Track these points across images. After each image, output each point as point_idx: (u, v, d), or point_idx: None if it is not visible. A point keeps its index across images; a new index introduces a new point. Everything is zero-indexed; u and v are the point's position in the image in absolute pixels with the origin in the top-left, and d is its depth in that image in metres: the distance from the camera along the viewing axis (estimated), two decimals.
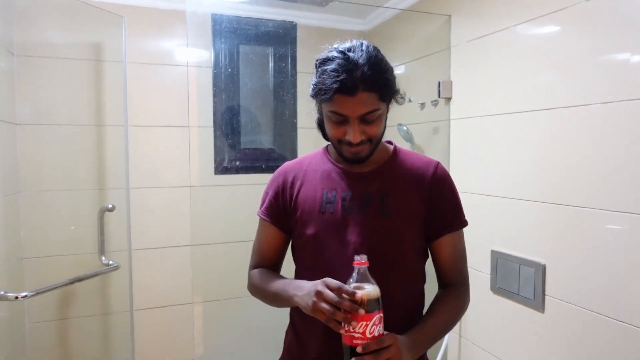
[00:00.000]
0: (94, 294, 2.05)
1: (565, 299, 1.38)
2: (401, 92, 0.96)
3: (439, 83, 1.87)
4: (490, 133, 1.68)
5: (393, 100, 0.96)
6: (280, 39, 2.31)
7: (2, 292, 1.43)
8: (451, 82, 1.87)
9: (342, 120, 0.91)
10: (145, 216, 2.10)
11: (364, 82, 0.86)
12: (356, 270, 0.82)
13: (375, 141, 0.95)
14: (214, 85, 2.18)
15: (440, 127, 1.94)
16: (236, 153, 2.25)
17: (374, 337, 0.80)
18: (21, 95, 1.81)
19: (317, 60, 0.94)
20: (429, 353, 1.07)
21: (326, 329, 0.90)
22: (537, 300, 1.46)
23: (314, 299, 0.83)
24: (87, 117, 1.98)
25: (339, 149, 0.97)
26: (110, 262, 1.81)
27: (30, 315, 1.90)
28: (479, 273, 1.73)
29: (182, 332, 2.21)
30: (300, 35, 2.33)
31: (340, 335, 0.82)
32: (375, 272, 0.83)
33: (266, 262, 1.09)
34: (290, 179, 1.05)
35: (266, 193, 1.09)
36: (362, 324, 0.79)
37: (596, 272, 1.29)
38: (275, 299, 0.99)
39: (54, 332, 1.99)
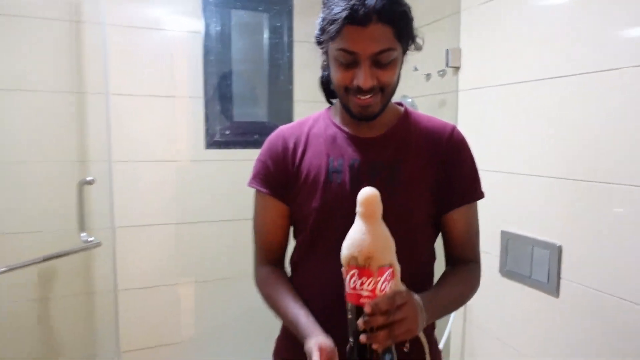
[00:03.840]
0: (76, 272, 1.95)
1: (583, 282, 1.28)
2: (420, 35, 0.83)
3: (447, 51, 1.73)
4: (502, 104, 1.55)
5: (410, 46, 0.82)
6: (275, 4, 2.15)
7: None
8: (460, 50, 1.73)
9: (351, 62, 0.78)
10: (130, 192, 1.97)
11: (379, 12, 0.73)
12: None
13: (387, 92, 0.82)
14: (205, 52, 2.03)
15: (447, 99, 1.81)
16: (229, 126, 2.11)
17: (385, 294, 0.68)
18: None
19: None
20: None
21: (327, 303, 0.83)
22: (551, 284, 1.35)
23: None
24: (65, 83, 1.84)
25: (345, 102, 0.84)
26: (91, 239, 1.69)
27: (8, 294, 1.79)
28: (487, 255, 1.61)
29: (168, 314, 2.12)
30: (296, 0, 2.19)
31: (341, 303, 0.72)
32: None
33: (274, 247, 0.97)
34: (291, 145, 0.92)
35: (261, 161, 0.95)
36: (371, 281, 0.67)
37: (617, 253, 1.18)
38: (286, 323, 0.92)
39: (34, 312, 1.88)
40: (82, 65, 1.84)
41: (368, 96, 0.80)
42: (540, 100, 1.40)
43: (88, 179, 1.67)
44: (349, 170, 0.86)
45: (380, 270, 0.67)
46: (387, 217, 0.80)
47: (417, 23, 0.82)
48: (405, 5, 0.79)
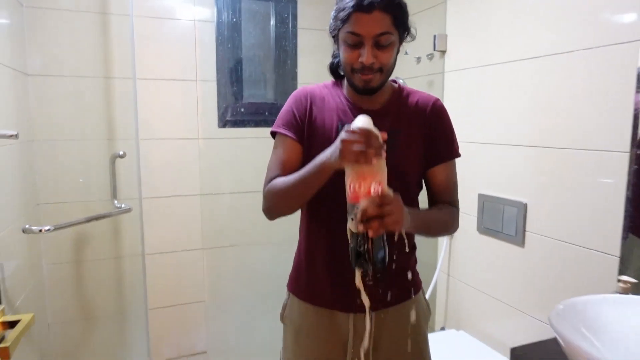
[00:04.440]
0: (107, 238, 2.17)
1: (543, 234, 1.51)
2: (413, 27, 1.04)
3: (434, 36, 1.95)
4: (481, 84, 1.77)
5: (405, 36, 1.03)
6: None
7: (27, 226, 1.55)
8: (446, 36, 1.94)
9: (357, 42, 0.98)
10: (154, 167, 2.20)
11: (380, 3, 0.95)
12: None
13: (385, 71, 1.01)
14: (217, 39, 2.24)
15: (435, 80, 2.02)
16: (239, 107, 2.33)
17: (377, 193, 0.87)
18: (31, 46, 1.88)
19: None
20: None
21: (330, 242, 1.05)
22: (518, 237, 1.59)
23: (341, 147, 0.86)
24: (95, 69, 2.05)
25: (351, 78, 1.03)
26: (123, 205, 1.93)
27: (47, 257, 2.03)
28: (467, 216, 1.85)
29: (191, 276, 2.35)
30: None
31: (343, 246, 0.93)
32: None
33: (286, 174, 1.07)
34: (311, 101, 1.11)
35: (287, 111, 1.11)
36: (366, 185, 0.86)
37: (572, 207, 1.41)
38: (302, 184, 1.00)
39: (70, 273, 2.11)
40: (110, 54, 2.06)
41: (370, 75, 0.99)
42: (513, 79, 1.62)
43: (120, 152, 1.90)
44: None
45: (374, 175, 0.88)
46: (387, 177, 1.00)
47: (409, 11, 1.02)
48: (402, 0, 1.00)
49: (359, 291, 0.98)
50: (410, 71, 2.14)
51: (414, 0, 2.09)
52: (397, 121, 1.08)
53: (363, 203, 0.85)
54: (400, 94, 1.12)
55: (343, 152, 0.86)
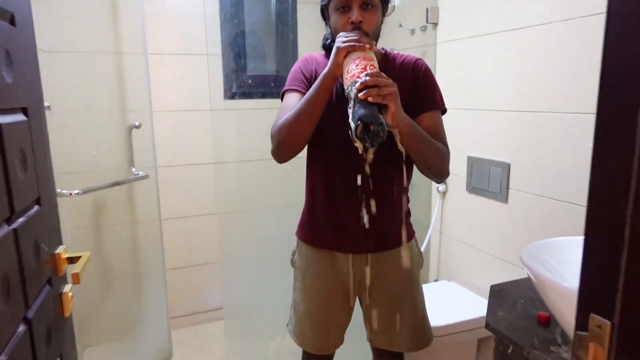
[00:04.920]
0: (125, 204, 2.33)
1: (525, 190, 1.68)
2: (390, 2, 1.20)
3: (427, 9, 2.06)
4: (470, 54, 1.91)
5: (386, 8, 1.19)
6: None
7: (58, 190, 1.71)
8: (438, 9, 2.06)
9: (345, 5, 1.13)
10: (166, 137, 2.35)
11: None
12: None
13: (371, 34, 1.16)
14: (221, 15, 2.35)
15: (427, 50, 2.15)
16: (243, 79, 2.46)
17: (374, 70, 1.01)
18: (46, 24, 1.99)
19: None
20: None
21: (330, 190, 1.23)
22: (502, 194, 1.76)
23: (338, 44, 1.06)
24: (107, 46, 2.17)
25: None
26: (140, 173, 2.09)
27: (70, 221, 2.20)
28: (457, 177, 2.02)
29: (205, 239, 2.53)
30: None
31: (341, 193, 1.11)
32: (375, 159, 1.07)
33: None
34: (316, 64, 1.28)
35: (296, 71, 1.27)
36: (363, 64, 1.02)
37: (550, 164, 1.58)
38: (307, 104, 1.13)
39: (91, 237, 2.29)
40: (121, 30, 2.17)
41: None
42: (500, 49, 1.75)
43: (136, 123, 2.05)
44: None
45: (367, 60, 1.04)
46: None
47: None
48: None
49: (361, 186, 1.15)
50: (404, 42, 2.26)
51: None
52: None
53: (362, 76, 0.98)
54: (387, 58, 1.28)
55: (339, 48, 1.05)
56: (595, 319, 0.47)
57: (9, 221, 0.67)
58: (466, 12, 1.91)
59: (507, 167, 1.73)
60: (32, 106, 0.81)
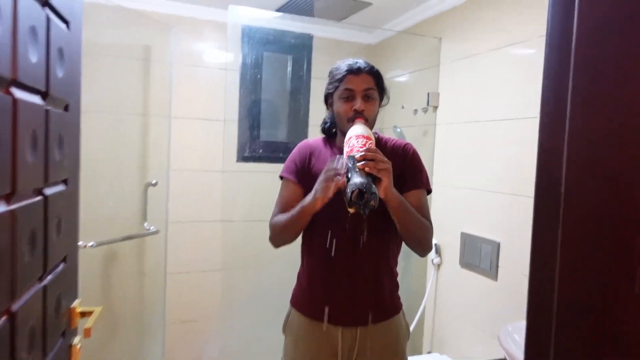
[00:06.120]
0: (134, 256, 2.43)
1: (512, 269, 1.76)
2: (387, 93, 1.37)
3: (428, 94, 2.25)
4: (467, 137, 2.06)
5: (383, 97, 1.35)
6: (299, 48, 2.70)
7: None
8: (438, 94, 2.25)
9: (350, 96, 1.30)
10: (180, 194, 2.48)
11: (365, 68, 1.30)
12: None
13: (370, 121, 1.31)
14: (241, 85, 2.57)
15: (428, 130, 2.31)
16: (256, 144, 2.64)
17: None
18: (83, 86, 2.19)
19: (331, 69, 1.37)
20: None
21: (324, 264, 1.32)
22: (492, 271, 1.84)
23: (323, 179, 1.17)
24: (135, 107, 2.37)
25: (345, 127, 1.30)
26: (152, 228, 2.21)
27: (81, 270, 2.29)
28: (451, 251, 2.11)
29: (208, 295, 2.59)
30: (315, 45, 2.72)
31: (334, 267, 1.21)
32: (370, 231, 1.20)
33: (287, 211, 1.33)
34: (310, 152, 1.41)
35: (292, 160, 1.40)
36: (362, 142, 1.16)
37: None
38: (298, 216, 1.26)
39: (99, 285, 2.37)
40: (148, 94, 2.38)
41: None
42: (494, 135, 1.91)
43: (153, 181, 2.20)
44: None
45: (367, 138, 1.18)
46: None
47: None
48: (379, 71, 1.34)
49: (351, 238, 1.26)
50: (407, 121, 2.43)
51: (412, 62, 2.46)
52: None
53: (362, 150, 1.13)
54: (380, 141, 1.41)
55: (325, 184, 1.16)
56: None
57: (40, 279, 0.78)
58: (464, 99, 2.09)
59: (497, 246, 1.83)
60: (71, 176, 0.95)
